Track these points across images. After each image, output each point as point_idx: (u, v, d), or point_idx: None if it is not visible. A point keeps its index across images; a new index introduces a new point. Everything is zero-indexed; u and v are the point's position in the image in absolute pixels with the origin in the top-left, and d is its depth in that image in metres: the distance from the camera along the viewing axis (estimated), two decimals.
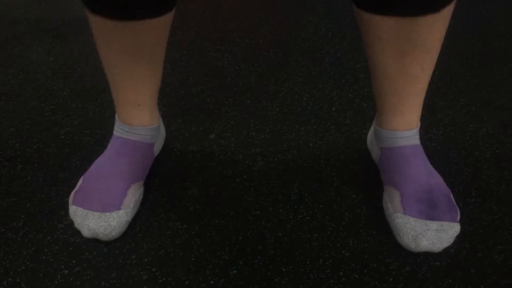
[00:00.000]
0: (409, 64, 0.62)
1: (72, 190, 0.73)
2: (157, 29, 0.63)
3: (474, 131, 0.86)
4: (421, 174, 0.68)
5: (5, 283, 0.60)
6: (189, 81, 0.99)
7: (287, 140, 0.84)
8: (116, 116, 0.72)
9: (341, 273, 0.62)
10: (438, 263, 0.63)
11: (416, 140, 0.70)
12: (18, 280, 0.61)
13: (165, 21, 0.63)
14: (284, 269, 0.62)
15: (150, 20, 0.60)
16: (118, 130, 0.71)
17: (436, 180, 0.68)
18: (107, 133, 0.85)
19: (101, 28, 0.61)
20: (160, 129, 0.78)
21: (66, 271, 0.62)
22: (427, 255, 0.64)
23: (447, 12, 0.57)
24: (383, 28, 0.59)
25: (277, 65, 1.05)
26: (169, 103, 0.92)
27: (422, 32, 0.58)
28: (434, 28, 0.58)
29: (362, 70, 1.03)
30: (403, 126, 0.70)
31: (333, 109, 0.91)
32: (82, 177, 0.69)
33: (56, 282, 0.60)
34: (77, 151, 0.81)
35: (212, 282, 0.61)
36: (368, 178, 0.76)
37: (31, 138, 0.83)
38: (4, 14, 1.26)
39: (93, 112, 0.90)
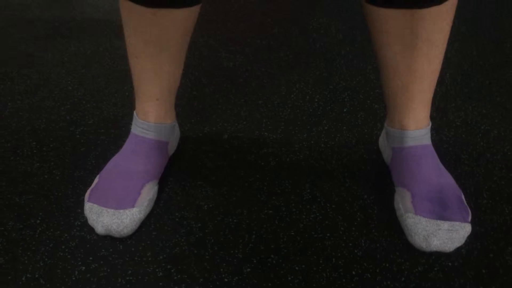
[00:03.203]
0: (416, 58, 0.63)
1: (87, 188, 0.75)
2: (183, 20, 0.65)
3: (486, 132, 0.86)
4: (432, 174, 0.68)
5: (23, 279, 0.62)
6: (201, 81, 1.00)
7: (299, 140, 0.84)
8: (135, 113, 0.74)
9: (353, 273, 0.62)
10: (450, 263, 0.64)
11: (427, 140, 0.71)
12: (36, 276, 0.62)
13: (192, 13, 0.65)
14: (297, 268, 0.63)
15: (178, 10, 0.62)
16: (135, 128, 0.73)
17: (447, 180, 0.69)
18: (122, 132, 0.86)
19: (130, 14, 0.63)
20: (175, 128, 0.79)
21: (83, 268, 0.63)
22: (439, 255, 0.65)
23: (450, 5, 0.59)
24: (389, 22, 0.61)
25: (288, 66, 1.06)
26: (182, 103, 0.94)
27: (426, 25, 0.60)
28: (438, 21, 0.60)
29: (373, 71, 1.03)
30: (413, 125, 0.70)
31: (345, 110, 0.92)
32: (98, 175, 0.71)
33: (73, 278, 0.62)
34: (92, 150, 0.82)
35: (226, 280, 0.62)
36: (379, 178, 0.77)
37: (47, 137, 0.85)
38: (19, 15, 1.27)
39: (107, 111, 0.91)
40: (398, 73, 0.66)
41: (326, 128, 0.87)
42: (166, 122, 0.75)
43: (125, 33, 0.68)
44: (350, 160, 0.80)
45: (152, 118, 0.73)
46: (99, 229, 0.65)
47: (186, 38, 0.69)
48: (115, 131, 0.86)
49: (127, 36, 0.68)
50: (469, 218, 0.65)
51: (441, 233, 0.63)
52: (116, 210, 0.66)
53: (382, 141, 0.80)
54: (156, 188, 0.72)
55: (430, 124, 0.72)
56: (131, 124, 0.88)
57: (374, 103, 0.94)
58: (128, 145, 0.72)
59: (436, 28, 0.60)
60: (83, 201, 0.73)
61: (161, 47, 0.67)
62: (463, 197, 0.68)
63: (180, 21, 0.65)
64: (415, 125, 0.70)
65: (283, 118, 0.90)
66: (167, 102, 0.74)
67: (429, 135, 0.72)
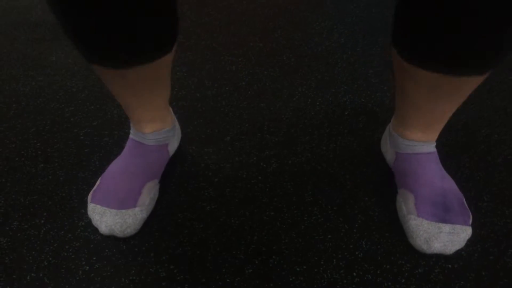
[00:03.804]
0: (440, 103, 0.62)
1: (91, 189, 0.75)
2: (158, 67, 0.61)
3: (486, 136, 0.87)
4: (435, 178, 0.69)
5: (28, 278, 0.62)
6: (204, 84, 1.01)
7: (300, 143, 0.85)
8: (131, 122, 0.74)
9: (354, 274, 0.63)
10: (450, 265, 0.64)
11: (432, 148, 0.71)
12: (41, 275, 0.63)
13: (166, 59, 0.61)
14: (298, 269, 0.64)
15: (150, 63, 0.59)
16: (133, 133, 0.74)
17: (449, 184, 0.69)
18: (125, 134, 0.87)
19: (101, 72, 0.60)
20: (175, 129, 0.80)
21: (87, 267, 0.64)
22: (440, 257, 0.65)
23: (488, 73, 0.57)
24: (422, 78, 0.58)
25: (291, 70, 1.06)
26: (185, 105, 0.94)
27: (460, 86, 0.58)
28: (472, 84, 0.58)
29: (374, 75, 1.04)
30: (421, 139, 0.71)
31: (346, 113, 0.93)
32: (100, 177, 0.71)
33: (77, 278, 0.62)
34: (96, 152, 0.83)
35: (228, 280, 0.62)
36: (380, 181, 0.77)
37: (51, 138, 0.86)
38: (24, 17, 1.29)
39: (111, 113, 0.92)
40: (417, 108, 0.65)
41: (327, 131, 0.88)
42: (164, 128, 0.75)
43: (102, 80, 0.64)
44: (351, 163, 0.81)
45: (148, 130, 0.73)
46: (103, 229, 0.66)
47: (167, 74, 0.65)
48: (119, 133, 0.87)
49: (105, 83, 0.64)
50: (470, 221, 0.66)
51: (442, 236, 0.63)
52: (118, 210, 0.66)
53: (384, 143, 0.80)
54: (157, 187, 0.73)
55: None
56: None
57: (375, 107, 0.94)
58: (127, 148, 0.73)
59: (467, 88, 0.58)
60: (86, 202, 0.73)
61: (142, 89, 0.64)
62: (464, 200, 0.69)
63: (155, 69, 0.61)
64: (423, 139, 0.71)
65: (285, 121, 0.90)
66: (161, 115, 0.72)
67: (434, 143, 0.72)
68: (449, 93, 0.60)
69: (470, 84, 0.58)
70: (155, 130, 0.73)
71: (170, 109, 0.78)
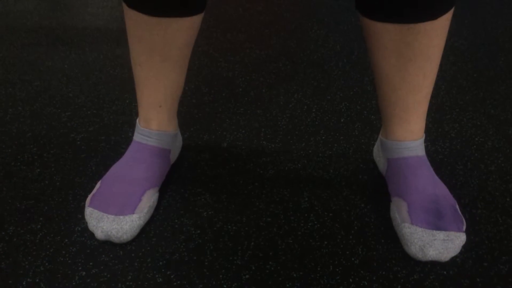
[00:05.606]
0: (412, 72, 0.65)
1: (88, 194, 0.75)
2: (186, 29, 0.67)
3: (480, 144, 0.88)
4: (428, 185, 0.70)
5: (24, 283, 0.62)
6: (201, 90, 1.02)
7: (297, 149, 0.86)
8: (137, 121, 0.75)
9: (350, 280, 0.63)
10: (445, 272, 0.65)
11: (421, 151, 0.72)
12: (37, 280, 0.62)
13: (195, 22, 0.67)
14: (295, 275, 0.64)
15: (182, 19, 0.65)
16: (137, 135, 0.74)
17: (442, 190, 0.70)
18: (122, 140, 0.87)
19: (135, 23, 0.66)
20: (177, 137, 0.80)
21: (84, 273, 0.64)
22: (435, 264, 0.66)
23: (444, 20, 0.62)
24: (385, 36, 0.63)
25: (287, 77, 1.07)
26: (182, 111, 0.95)
27: (422, 39, 0.62)
28: (433, 35, 0.62)
29: (369, 83, 1.05)
30: (408, 137, 0.72)
31: (342, 120, 0.94)
32: (100, 181, 0.71)
33: (74, 283, 0.62)
34: (92, 157, 0.83)
35: (225, 286, 0.62)
36: (376, 188, 0.78)
37: (48, 143, 0.86)
38: (20, 22, 1.29)
39: (108, 119, 0.92)
40: (393, 86, 0.68)
41: (323, 138, 0.89)
42: (168, 130, 0.76)
43: (129, 41, 0.69)
44: (347, 169, 0.82)
45: (154, 126, 0.74)
46: (99, 234, 0.66)
47: (189, 47, 0.71)
48: (115, 138, 0.87)
49: (131, 44, 0.69)
50: (464, 228, 0.67)
51: (437, 243, 0.64)
52: (116, 216, 0.66)
53: (376, 153, 0.81)
54: (156, 195, 0.73)
55: (424, 136, 0.74)
56: (131, 131, 0.89)
57: (370, 114, 0.95)
58: (130, 152, 0.73)
59: (430, 43, 0.63)
60: (83, 207, 0.73)
61: (165, 56, 0.68)
62: (457, 207, 0.69)
63: (184, 30, 0.67)
64: (410, 136, 0.72)
65: (282, 128, 0.91)
66: (170, 109, 0.75)
67: (423, 146, 0.73)
68: (413, 52, 0.63)
69: (429, 36, 0.62)
70: (161, 129, 0.74)
71: (176, 118, 0.79)
